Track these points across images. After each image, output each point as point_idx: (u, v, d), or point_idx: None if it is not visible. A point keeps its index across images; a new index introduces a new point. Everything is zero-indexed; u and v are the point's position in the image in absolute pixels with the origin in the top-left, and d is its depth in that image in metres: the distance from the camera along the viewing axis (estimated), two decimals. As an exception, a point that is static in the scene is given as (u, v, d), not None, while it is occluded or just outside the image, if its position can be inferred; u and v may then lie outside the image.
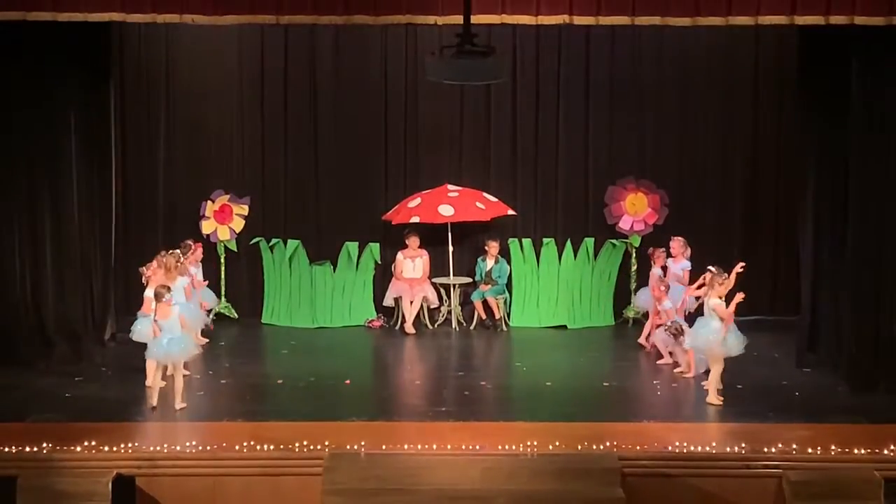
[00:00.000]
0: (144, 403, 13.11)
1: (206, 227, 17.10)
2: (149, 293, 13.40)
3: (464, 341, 16.57)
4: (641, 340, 15.72)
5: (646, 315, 16.31)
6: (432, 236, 17.09)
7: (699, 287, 13.90)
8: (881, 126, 13.60)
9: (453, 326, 17.06)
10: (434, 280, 17.13)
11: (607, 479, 11.26)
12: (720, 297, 13.19)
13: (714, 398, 13.15)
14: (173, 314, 12.94)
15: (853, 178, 13.85)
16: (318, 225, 17.46)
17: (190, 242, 15.77)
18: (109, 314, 15.70)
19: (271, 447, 11.62)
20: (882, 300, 13.74)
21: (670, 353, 14.73)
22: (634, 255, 17.21)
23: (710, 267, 13.74)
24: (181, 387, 13.06)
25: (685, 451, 11.67)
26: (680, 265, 15.59)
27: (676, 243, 15.73)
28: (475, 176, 17.38)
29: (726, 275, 13.35)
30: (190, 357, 13.27)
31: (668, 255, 15.85)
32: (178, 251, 14.60)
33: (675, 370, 14.52)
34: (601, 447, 11.67)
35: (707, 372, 13.72)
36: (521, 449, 11.59)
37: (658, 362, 14.95)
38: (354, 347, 16.21)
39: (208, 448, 11.67)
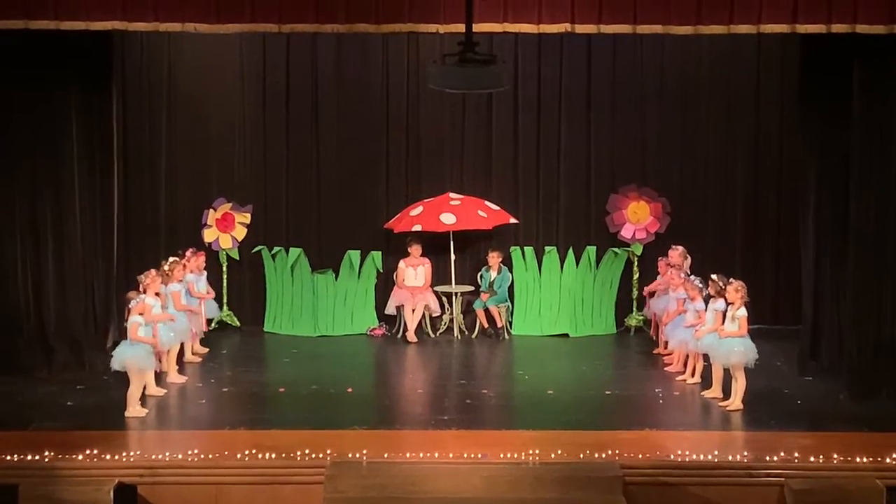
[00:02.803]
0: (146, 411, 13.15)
1: (209, 235, 17.11)
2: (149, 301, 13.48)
3: (466, 349, 16.57)
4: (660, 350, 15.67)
5: (647, 323, 16.32)
6: (434, 244, 17.09)
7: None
8: (883, 134, 13.59)
9: (455, 335, 17.06)
10: (436, 288, 17.13)
11: (609, 488, 11.24)
12: (732, 303, 13.26)
13: (738, 404, 13.24)
14: (130, 322, 13.02)
15: (854, 186, 13.85)
16: (320, 233, 17.48)
17: (188, 251, 15.69)
18: (111, 322, 15.68)
19: (273, 455, 11.61)
20: (883, 308, 13.73)
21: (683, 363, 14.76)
22: (636, 263, 17.21)
23: (712, 275, 13.78)
24: (135, 394, 13.04)
25: (687, 459, 11.65)
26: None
27: (675, 253, 15.66)
28: (477, 184, 17.39)
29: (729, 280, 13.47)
30: (138, 366, 13.17)
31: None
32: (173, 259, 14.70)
33: (678, 378, 14.53)
34: (603, 455, 11.65)
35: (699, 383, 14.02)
36: (523, 457, 11.57)
37: (667, 369, 14.97)
38: (356, 356, 16.20)
39: (210, 456, 11.66)
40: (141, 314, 13.10)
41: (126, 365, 13.06)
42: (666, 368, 15.01)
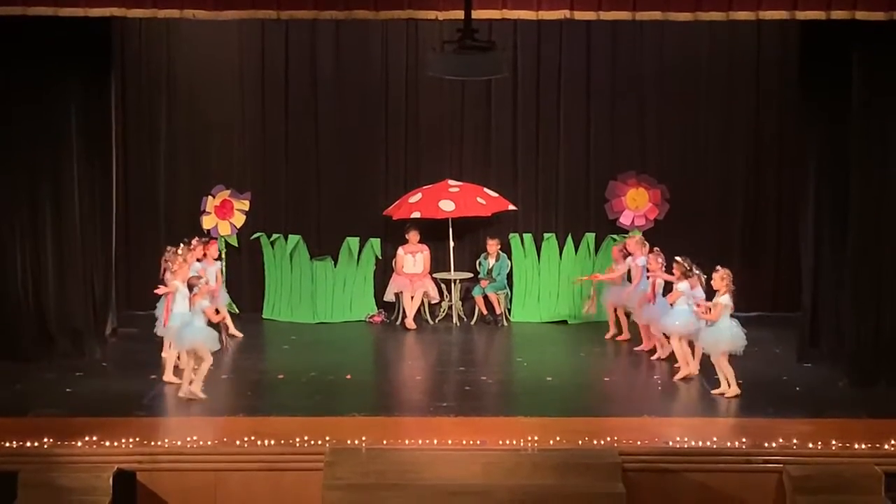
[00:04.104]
0: (145, 398, 13.14)
1: (207, 222, 17.10)
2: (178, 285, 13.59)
3: (464, 336, 16.57)
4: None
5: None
6: (433, 231, 17.09)
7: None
8: (883, 122, 13.58)
9: (454, 322, 17.07)
10: (435, 275, 17.13)
11: (608, 474, 11.26)
12: (721, 292, 13.27)
13: (734, 389, 13.27)
14: (201, 305, 13.08)
15: (854, 173, 13.84)
16: (318, 220, 17.46)
17: (193, 240, 15.66)
18: (110, 309, 15.71)
19: (272, 442, 11.62)
20: (883, 295, 13.73)
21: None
22: (635, 250, 17.21)
23: (676, 258, 14.03)
24: (203, 375, 13.16)
25: (686, 446, 11.67)
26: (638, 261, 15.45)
27: (632, 241, 15.64)
28: (476, 171, 17.38)
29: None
30: (208, 346, 13.18)
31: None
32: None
33: (652, 357, 14.65)
34: (602, 442, 11.67)
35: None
36: (521, 444, 11.59)
37: (636, 349, 15.16)
38: (355, 343, 16.21)
39: (209, 443, 11.68)
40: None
41: (196, 346, 13.05)
42: (637, 349, 15.17)
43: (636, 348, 15.35)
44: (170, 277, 13.85)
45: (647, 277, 14.87)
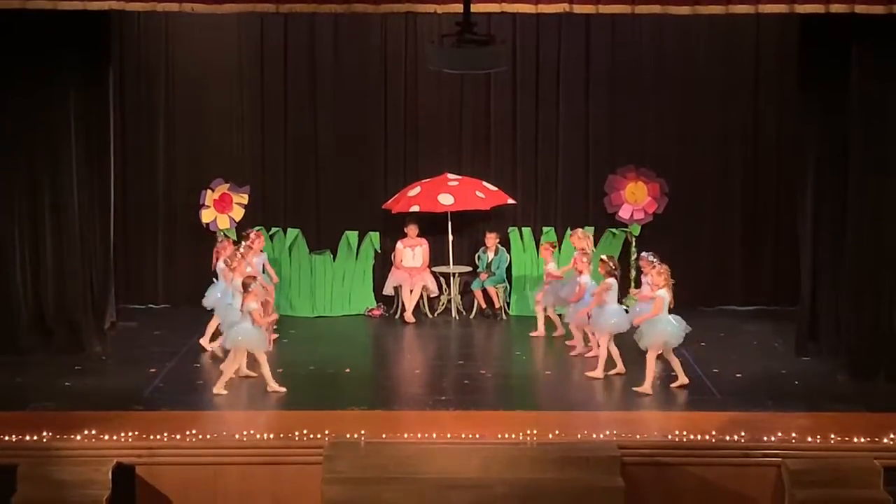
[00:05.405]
0: (144, 392, 13.16)
1: (206, 216, 17.07)
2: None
3: (463, 330, 16.57)
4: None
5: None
6: (432, 225, 17.09)
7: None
8: (881, 115, 13.57)
9: (453, 315, 17.06)
10: (434, 269, 17.12)
11: (607, 468, 11.28)
12: (660, 286, 13.27)
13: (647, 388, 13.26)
14: (250, 306, 13.10)
15: (852, 167, 13.83)
16: (317, 214, 17.45)
17: (251, 233, 15.64)
18: (109, 302, 15.71)
19: (271, 436, 11.64)
20: (881, 289, 13.72)
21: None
22: (634, 244, 17.19)
23: (602, 256, 14.21)
24: (229, 373, 13.25)
25: (685, 439, 11.69)
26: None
27: (575, 236, 15.63)
28: (475, 165, 17.37)
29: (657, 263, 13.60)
30: (253, 346, 13.27)
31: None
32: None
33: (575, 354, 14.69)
34: (601, 436, 11.69)
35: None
36: (520, 437, 11.61)
37: (572, 353, 14.95)
38: (354, 336, 16.21)
39: (208, 437, 11.69)
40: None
41: (239, 344, 13.13)
42: (572, 353, 14.98)
43: (567, 343, 15.28)
44: (228, 273, 14.07)
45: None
